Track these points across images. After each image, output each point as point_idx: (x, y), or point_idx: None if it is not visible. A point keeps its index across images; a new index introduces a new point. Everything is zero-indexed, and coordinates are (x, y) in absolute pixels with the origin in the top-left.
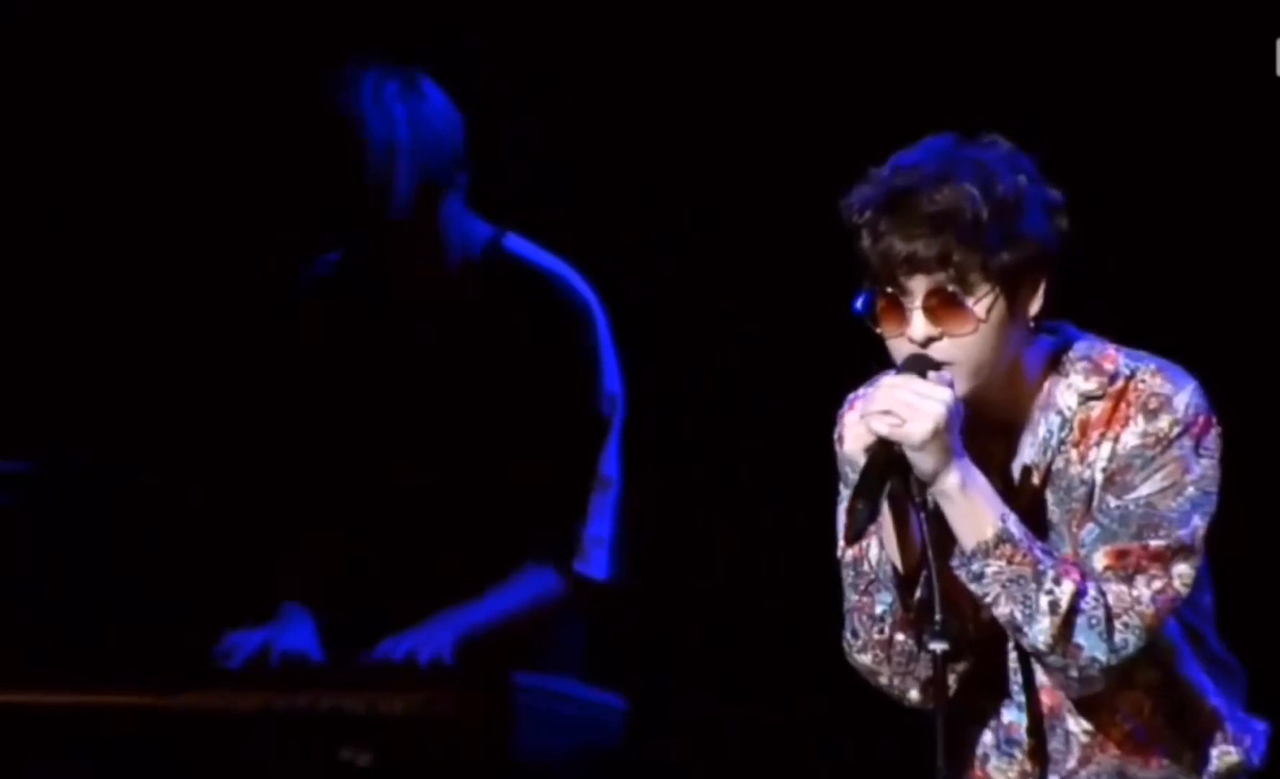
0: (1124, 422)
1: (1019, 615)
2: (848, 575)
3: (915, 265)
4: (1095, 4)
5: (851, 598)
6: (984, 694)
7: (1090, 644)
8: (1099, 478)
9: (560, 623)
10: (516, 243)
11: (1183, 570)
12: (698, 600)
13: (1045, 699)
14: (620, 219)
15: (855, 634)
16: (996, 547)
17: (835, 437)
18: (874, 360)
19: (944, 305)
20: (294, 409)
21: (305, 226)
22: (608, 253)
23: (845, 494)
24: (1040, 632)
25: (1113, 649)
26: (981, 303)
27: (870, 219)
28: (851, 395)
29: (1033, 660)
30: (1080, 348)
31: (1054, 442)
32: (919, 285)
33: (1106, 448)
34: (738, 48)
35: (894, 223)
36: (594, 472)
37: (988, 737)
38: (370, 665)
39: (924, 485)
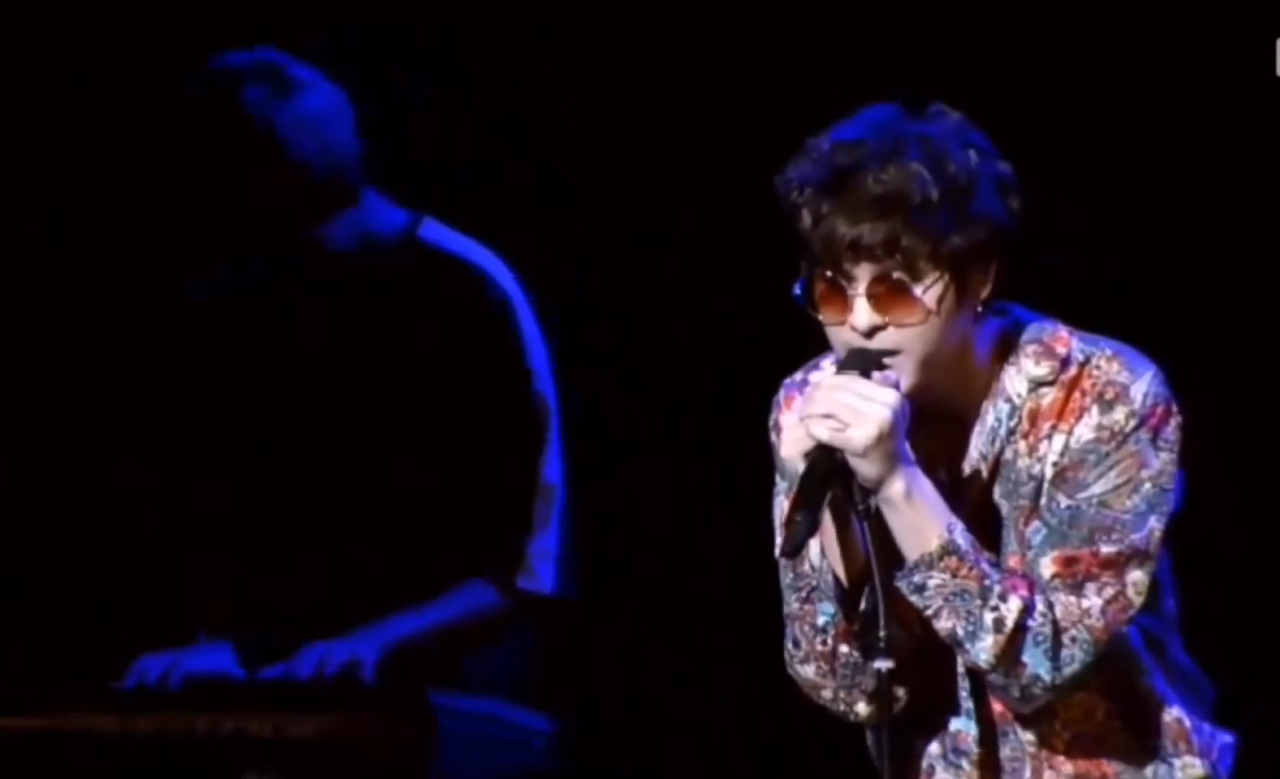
0: (1077, 413)
1: (961, 631)
2: (786, 576)
3: (860, 251)
4: (1096, 3)
5: (792, 604)
6: (931, 702)
7: (1035, 662)
8: (1049, 473)
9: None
10: (434, 230)
11: (1137, 578)
12: (640, 615)
13: (996, 706)
14: (559, 205)
15: (797, 644)
16: (941, 558)
17: (770, 424)
18: (816, 346)
19: (890, 293)
20: (206, 421)
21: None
22: (545, 238)
23: (782, 486)
24: (983, 649)
25: (1057, 667)
26: (931, 291)
27: (811, 198)
28: (788, 380)
29: None
30: (1031, 330)
31: (1002, 431)
32: (863, 272)
33: (1058, 441)
34: (664, 31)
35: (837, 204)
36: (535, 478)
37: (934, 747)
38: (280, 684)
39: (867, 492)
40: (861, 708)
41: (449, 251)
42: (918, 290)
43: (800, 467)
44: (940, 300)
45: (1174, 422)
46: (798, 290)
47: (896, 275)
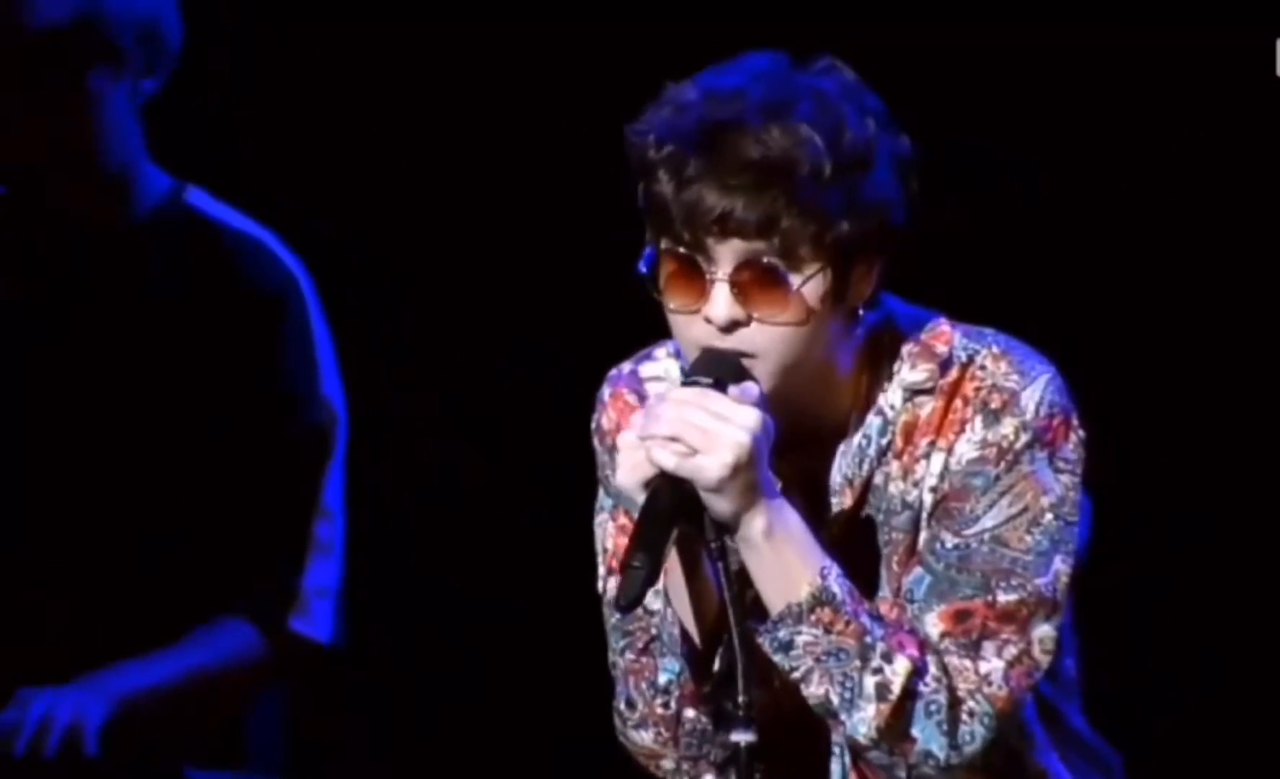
0: (958, 426)
1: (836, 699)
2: (610, 615)
3: (729, 227)
4: (1094, 2)
5: (625, 655)
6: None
7: (926, 736)
8: (927, 500)
9: (259, 699)
10: (202, 199)
11: (1044, 633)
12: (424, 671)
13: None
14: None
15: (631, 705)
16: (812, 610)
17: (593, 426)
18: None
19: (759, 282)
20: None
21: None
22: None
23: (607, 503)
24: (863, 720)
25: (954, 745)
26: (810, 284)
27: (673, 156)
28: (614, 373)
29: None
30: (907, 326)
31: (872, 450)
32: (729, 252)
33: (937, 461)
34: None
35: (707, 167)
36: (314, 501)
37: None
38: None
39: (722, 528)
40: None
41: (226, 223)
42: (794, 282)
43: (640, 498)
44: (818, 297)
45: (1075, 437)
46: (643, 266)
47: (769, 261)
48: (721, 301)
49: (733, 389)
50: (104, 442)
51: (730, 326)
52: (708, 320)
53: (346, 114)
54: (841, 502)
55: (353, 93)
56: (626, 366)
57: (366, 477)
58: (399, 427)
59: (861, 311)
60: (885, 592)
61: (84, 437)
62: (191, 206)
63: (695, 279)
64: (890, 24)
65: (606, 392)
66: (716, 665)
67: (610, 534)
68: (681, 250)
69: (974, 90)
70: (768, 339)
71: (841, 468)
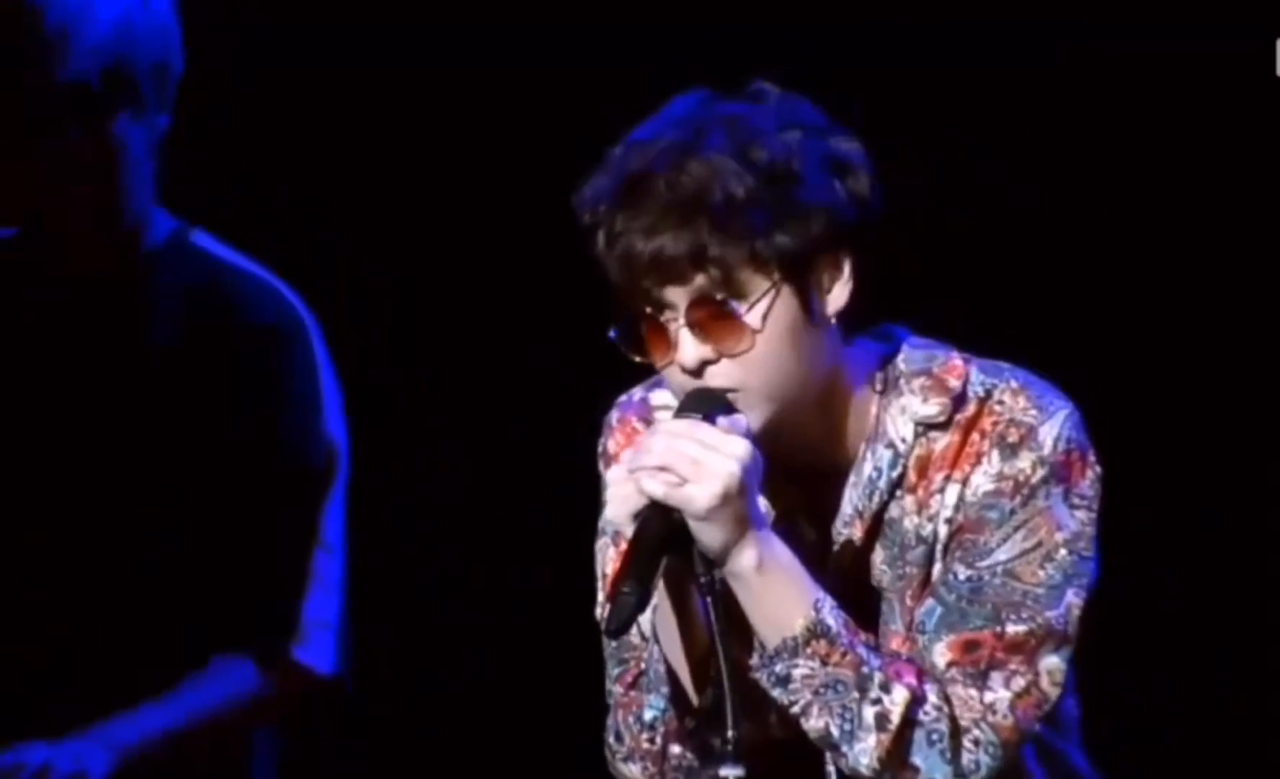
0: (975, 459)
1: (836, 731)
2: (609, 646)
3: (665, 270)
4: (1095, 2)
5: (615, 688)
6: None
7: (930, 765)
8: (942, 532)
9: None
10: (206, 240)
11: (1052, 665)
12: (428, 702)
13: None
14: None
15: (619, 738)
16: (807, 643)
17: (599, 448)
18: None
19: (713, 318)
20: None
21: None
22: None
23: (609, 529)
24: (864, 751)
25: (959, 773)
26: (757, 308)
27: (604, 215)
28: (623, 399)
29: None
30: (917, 359)
31: (882, 482)
32: (679, 296)
33: (952, 493)
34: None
35: (630, 217)
36: (315, 535)
37: None
38: None
39: (711, 561)
40: None
41: (224, 259)
42: (741, 308)
43: (630, 529)
44: (767, 316)
45: (1091, 473)
46: (614, 334)
47: (719, 295)
48: (686, 347)
49: (722, 421)
50: (104, 477)
51: (700, 369)
52: (682, 368)
53: (342, 124)
54: (851, 533)
55: (349, 111)
56: (637, 393)
57: (376, 505)
58: (406, 454)
59: (835, 320)
60: (897, 625)
61: (84, 474)
62: (194, 245)
63: (661, 332)
64: (889, 26)
65: (614, 417)
66: (697, 702)
67: (610, 559)
68: (632, 306)
69: (973, 90)
70: (743, 370)
71: (851, 499)
